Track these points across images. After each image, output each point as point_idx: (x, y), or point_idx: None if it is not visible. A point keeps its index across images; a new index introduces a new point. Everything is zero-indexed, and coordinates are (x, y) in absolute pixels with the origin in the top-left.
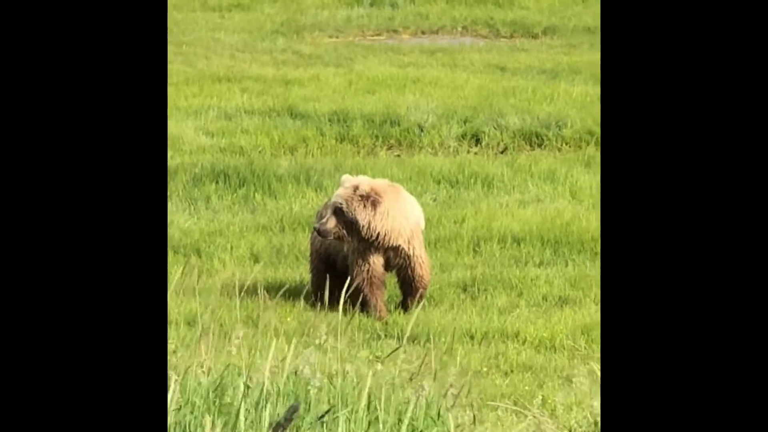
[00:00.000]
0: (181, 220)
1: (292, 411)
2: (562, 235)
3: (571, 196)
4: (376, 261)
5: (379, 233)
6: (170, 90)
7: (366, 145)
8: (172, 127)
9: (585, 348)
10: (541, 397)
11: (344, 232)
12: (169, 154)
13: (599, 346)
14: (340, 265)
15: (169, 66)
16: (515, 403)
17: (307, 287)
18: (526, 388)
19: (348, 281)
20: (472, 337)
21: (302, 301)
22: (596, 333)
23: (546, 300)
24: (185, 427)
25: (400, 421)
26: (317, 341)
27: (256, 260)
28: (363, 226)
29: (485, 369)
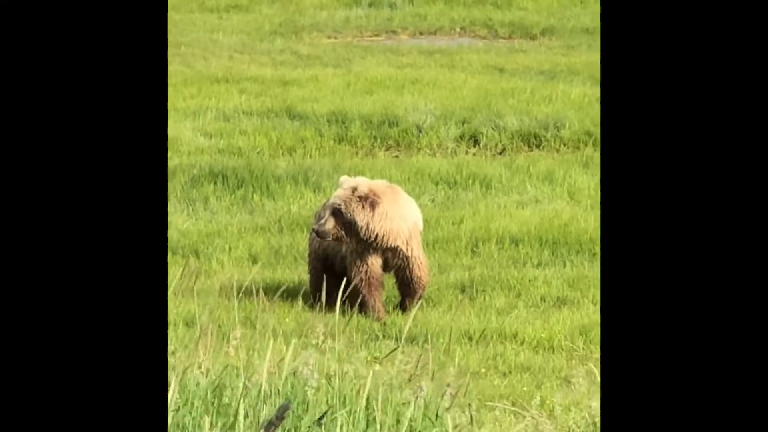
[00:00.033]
0: (179, 221)
1: (283, 410)
2: (560, 236)
3: (569, 197)
4: (375, 262)
5: (377, 234)
6: (168, 91)
7: (364, 145)
8: (171, 128)
9: (583, 349)
10: (539, 398)
11: (343, 233)
12: (168, 155)
13: (598, 347)
14: (339, 266)
15: (168, 67)
16: (513, 404)
17: (305, 288)
18: (525, 388)
19: (346, 282)
20: (470, 338)
21: (300, 302)
22: (594, 334)
23: (544, 301)
24: (184, 427)
25: (398, 421)
26: (315, 342)
27: (255, 261)
28: (361, 227)
29: (483, 370)
